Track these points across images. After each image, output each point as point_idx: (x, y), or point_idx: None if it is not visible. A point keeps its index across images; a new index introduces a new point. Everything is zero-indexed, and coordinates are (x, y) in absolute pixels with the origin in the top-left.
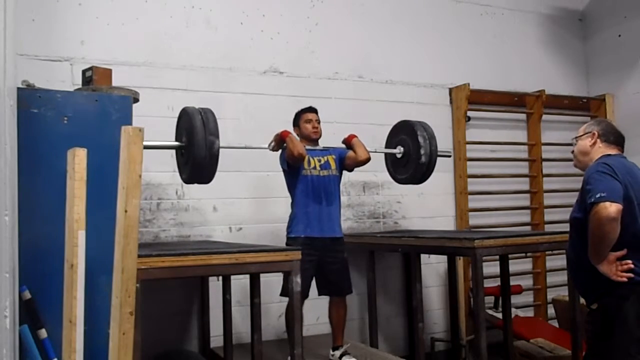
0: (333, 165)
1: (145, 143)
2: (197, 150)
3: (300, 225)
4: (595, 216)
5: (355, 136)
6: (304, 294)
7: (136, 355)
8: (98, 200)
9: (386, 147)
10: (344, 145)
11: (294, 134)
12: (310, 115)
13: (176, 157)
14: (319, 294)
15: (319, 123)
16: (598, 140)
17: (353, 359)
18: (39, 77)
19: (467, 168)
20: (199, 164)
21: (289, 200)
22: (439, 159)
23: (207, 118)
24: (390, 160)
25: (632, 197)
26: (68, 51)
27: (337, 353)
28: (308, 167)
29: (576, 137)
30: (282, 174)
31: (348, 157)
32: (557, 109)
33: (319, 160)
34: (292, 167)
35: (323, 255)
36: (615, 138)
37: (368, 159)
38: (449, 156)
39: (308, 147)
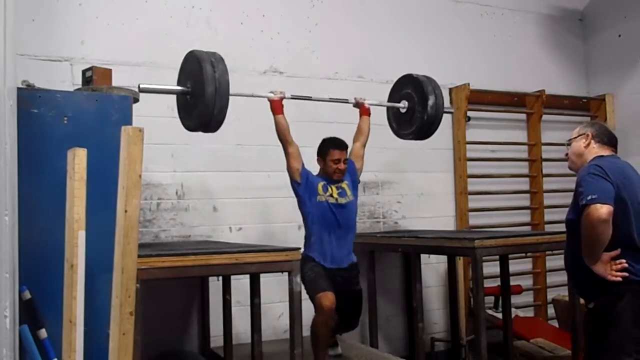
0: (349, 191)
1: (146, 86)
2: (207, 95)
3: (316, 253)
4: (587, 218)
5: (369, 113)
6: (330, 286)
7: (136, 355)
8: (98, 200)
9: (389, 102)
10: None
11: (283, 116)
12: (339, 155)
13: (178, 104)
14: None
15: (345, 163)
16: (592, 141)
17: (338, 349)
18: (39, 77)
19: (467, 168)
20: (208, 111)
21: (289, 200)
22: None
23: (217, 62)
24: (393, 116)
25: (624, 197)
26: (68, 51)
27: None
28: (324, 193)
29: (570, 139)
30: (281, 174)
31: (355, 154)
32: (557, 109)
33: (338, 188)
34: (300, 185)
35: (339, 287)
36: (609, 139)
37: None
38: (452, 112)
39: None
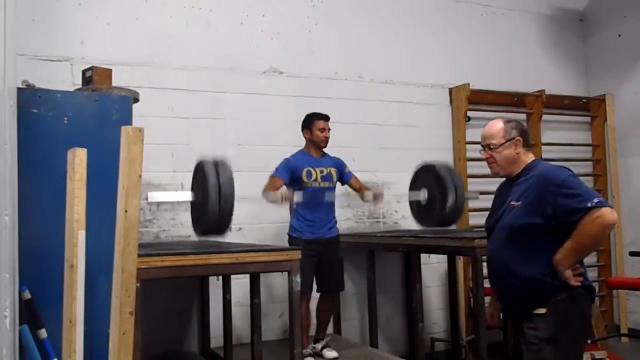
0: (334, 177)
1: (155, 196)
2: (210, 206)
3: (301, 230)
4: (597, 220)
5: (368, 189)
6: (309, 288)
7: (136, 355)
8: (98, 200)
9: (410, 190)
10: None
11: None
12: (324, 124)
13: (190, 211)
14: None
15: (329, 131)
16: (521, 147)
17: (333, 352)
18: (39, 77)
19: (467, 168)
20: (213, 223)
21: None
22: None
23: (222, 169)
24: (415, 206)
25: None
26: (68, 51)
27: (319, 345)
28: (308, 180)
29: (497, 145)
30: None
31: (351, 184)
32: (557, 109)
33: (322, 172)
34: (287, 183)
35: (322, 253)
36: (529, 141)
37: None
38: (477, 198)
39: (314, 156)
